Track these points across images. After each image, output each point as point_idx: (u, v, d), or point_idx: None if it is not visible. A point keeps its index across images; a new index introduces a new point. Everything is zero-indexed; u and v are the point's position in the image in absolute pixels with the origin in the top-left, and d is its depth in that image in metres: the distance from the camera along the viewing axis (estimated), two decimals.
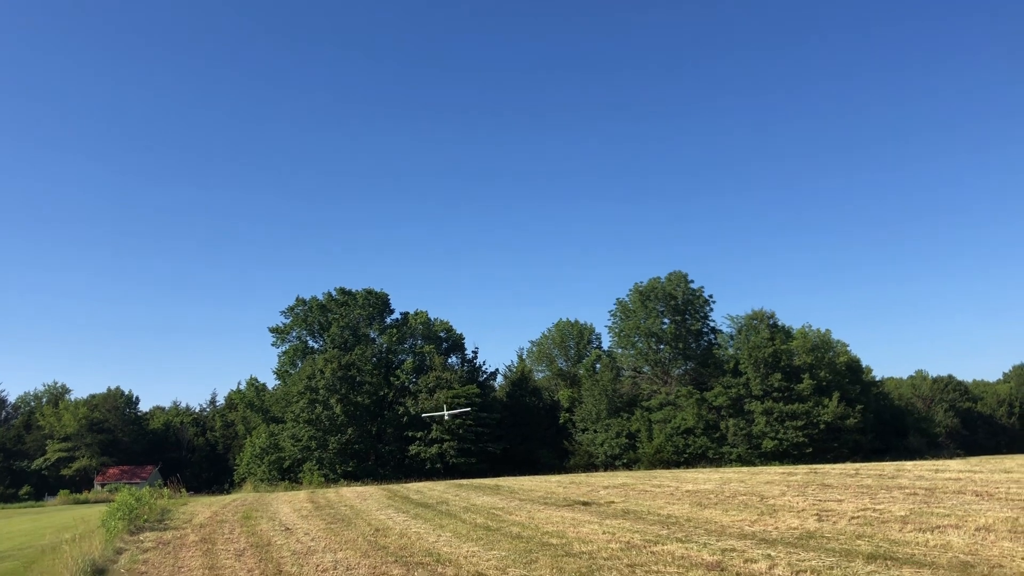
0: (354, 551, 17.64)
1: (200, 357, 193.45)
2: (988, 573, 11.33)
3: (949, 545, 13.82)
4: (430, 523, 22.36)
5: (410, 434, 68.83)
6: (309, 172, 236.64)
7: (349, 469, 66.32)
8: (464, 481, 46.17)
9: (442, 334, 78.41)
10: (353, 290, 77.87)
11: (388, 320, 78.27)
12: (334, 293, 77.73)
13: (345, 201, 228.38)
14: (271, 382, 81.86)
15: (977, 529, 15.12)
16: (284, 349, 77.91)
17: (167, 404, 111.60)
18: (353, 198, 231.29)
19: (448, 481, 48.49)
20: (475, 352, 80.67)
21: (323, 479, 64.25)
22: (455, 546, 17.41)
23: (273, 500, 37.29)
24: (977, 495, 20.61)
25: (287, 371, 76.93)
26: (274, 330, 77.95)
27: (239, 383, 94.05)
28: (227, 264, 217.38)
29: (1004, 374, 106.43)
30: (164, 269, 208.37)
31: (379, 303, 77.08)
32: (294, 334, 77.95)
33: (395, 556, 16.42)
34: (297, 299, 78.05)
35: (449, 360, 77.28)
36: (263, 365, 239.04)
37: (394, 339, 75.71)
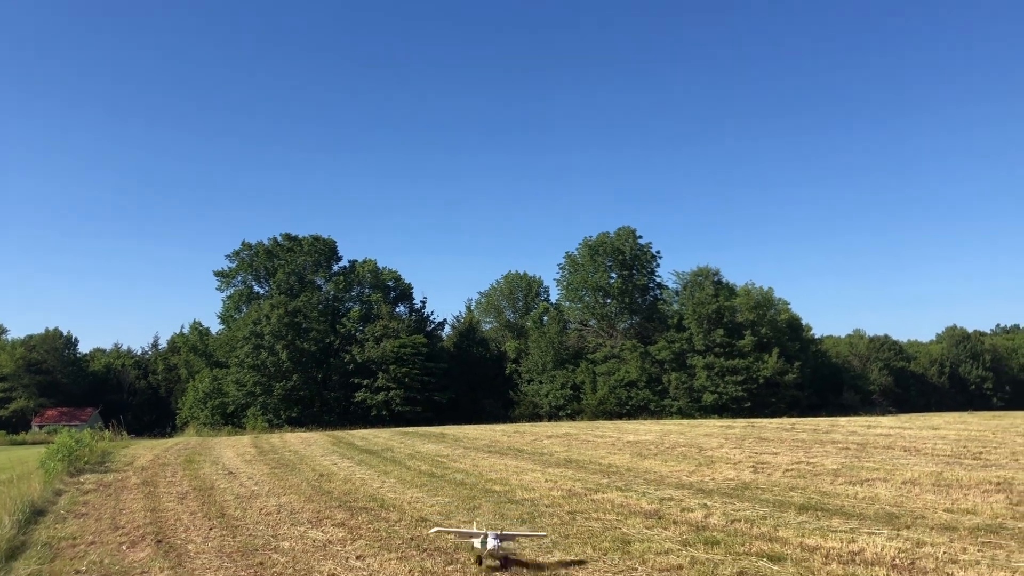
0: (298, 496, 17.74)
1: (143, 300, 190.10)
2: (911, 524, 11.83)
3: (877, 497, 14.38)
4: (375, 469, 22.53)
5: (356, 381, 68.79)
6: (258, 116, 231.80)
7: (294, 415, 66.18)
8: (410, 429, 46.46)
9: (390, 283, 78.06)
10: (300, 236, 76.92)
11: (335, 267, 77.59)
12: (280, 239, 76.70)
13: (293, 147, 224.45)
14: (215, 327, 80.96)
15: (903, 482, 15.75)
16: (229, 294, 76.95)
17: (108, 346, 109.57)
18: (301, 144, 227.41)
19: (394, 429, 48.74)
20: (423, 302, 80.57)
21: (267, 424, 64.06)
22: (399, 492, 17.60)
23: (216, 444, 37.14)
24: (905, 450, 21.41)
25: (232, 316, 76.04)
26: (219, 274, 76.85)
27: (182, 327, 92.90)
28: (171, 205, 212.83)
29: (937, 335, 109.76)
30: (105, 208, 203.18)
31: (326, 250, 76.30)
32: (239, 279, 76.91)
33: (339, 501, 16.56)
34: (243, 243, 76.92)
35: (397, 309, 77.08)
36: (207, 309, 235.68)
37: (341, 287, 75.20)
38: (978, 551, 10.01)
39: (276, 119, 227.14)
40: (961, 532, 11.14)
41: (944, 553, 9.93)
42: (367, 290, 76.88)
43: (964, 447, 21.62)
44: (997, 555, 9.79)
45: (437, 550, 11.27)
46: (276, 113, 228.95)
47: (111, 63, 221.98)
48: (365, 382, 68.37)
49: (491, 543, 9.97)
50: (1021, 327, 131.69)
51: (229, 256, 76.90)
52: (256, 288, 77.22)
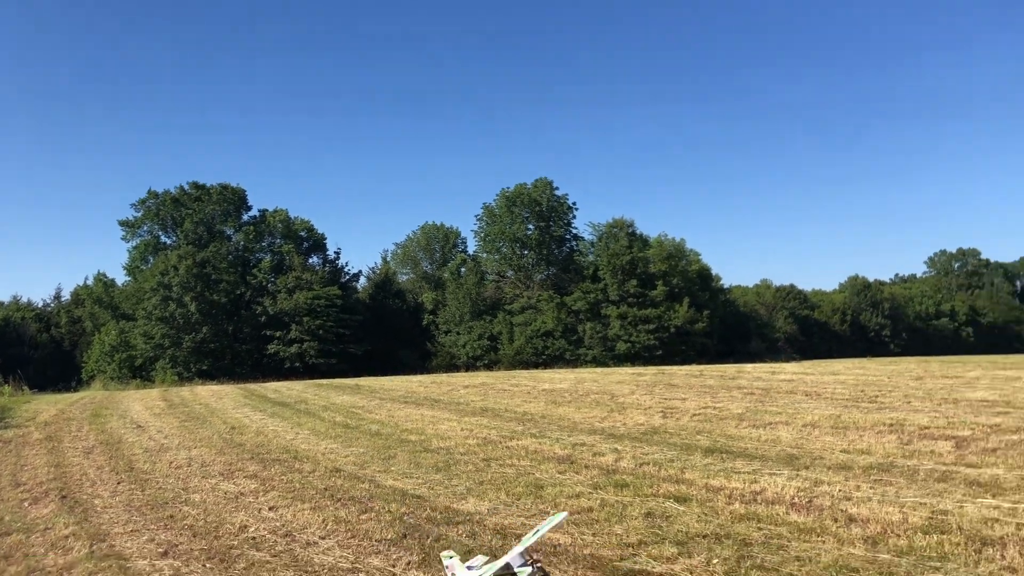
0: (209, 448, 17.49)
1: (42, 250, 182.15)
2: (810, 464, 12.38)
3: (779, 440, 14.98)
4: (288, 421, 22.35)
5: (268, 333, 67.74)
6: (163, 63, 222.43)
7: (204, 368, 64.88)
8: (324, 381, 46.12)
9: (303, 233, 76.62)
10: (208, 184, 74.69)
11: (245, 217, 75.67)
12: (187, 187, 74.33)
13: (199, 92, 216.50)
14: (121, 278, 78.39)
15: (804, 425, 16.43)
16: (135, 244, 74.45)
17: (6, 299, 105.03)
18: (208, 90, 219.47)
19: (308, 381, 48.29)
20: (337, 253, 79.31)
21: (177, 378, 62.69)
22: (313, 443, 17.53)
23: (124, 398, 36.22)
24: (807, 395, 22.31)
25: (138, 267, 73.69)
26: (124, 224, 74.19)
27: (86, 278, 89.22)
28: (72, 151, 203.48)
29: (840, 284, 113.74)
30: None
31: (235, 199, 74.31)
32: (145, 228, 74.41)
33: (252, 453, 16.40)
34: (149, 192, 74.20)
35: (310, 260, 75.81)
36: (113, 260, 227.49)
37: (251, 237, 73.51)
38: (870, 488, 10.55)
39: (182, 65, 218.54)
40: (856, 471, 11.71)
41: (839, 491, 10.44)
42: (279, 240, 75.32)
43: (861, 391, 22.64)
44: (887, 491, 10.34)
45: (351, 500, 11.30)
46: (182, 60, 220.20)
47: None
48: (278, 334, 67.39)
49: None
50: (918, 276, 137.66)
51: (134, 205, 74.28)
52: (163, 238, 74.89)
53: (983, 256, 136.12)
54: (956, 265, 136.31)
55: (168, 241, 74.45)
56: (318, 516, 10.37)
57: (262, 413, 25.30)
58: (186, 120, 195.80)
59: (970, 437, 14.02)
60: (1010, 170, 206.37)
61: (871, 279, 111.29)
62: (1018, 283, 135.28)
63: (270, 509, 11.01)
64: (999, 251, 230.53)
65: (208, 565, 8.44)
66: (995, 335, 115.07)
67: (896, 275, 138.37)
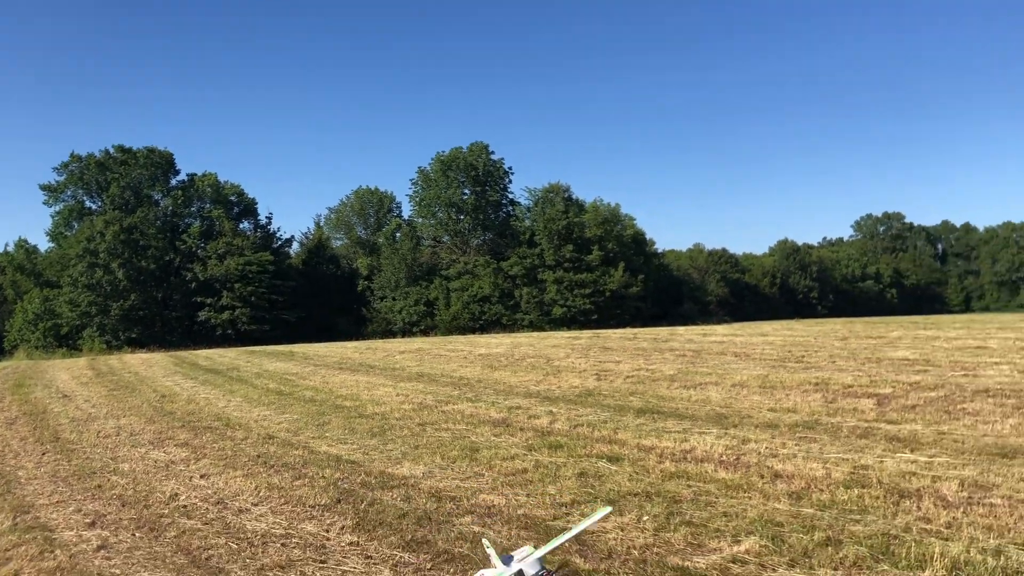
0: (139, 417, 17.16)
1: None
2: (738, 423, 12.68)
3: (708, 400, 15.30)
4: (220, 389, 22.03)
5: (199, 300, 66.46)
6: (85, 17, 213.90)
7: (134, 336, 63.42)
8: (257, 348, 45.56)
9: (233, 198, 75.03)
10: (134, 148, 72.45)
11: (173, 182, 73.69)
12: (112, 150, 72.03)
13: (123, 53, 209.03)
14: (44, 244, 75.89)
15: (733, 385, 16.81)
16: (58, 209, 72.04)
17: None
18: (133, 49, 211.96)
19: (240, 348, 47.66)
20: (269, 218, 78.35)
21: (105, 346, 61.21)
22: (246, 411, 17.32)
23: (50, 367, 35.28)
24: (736, 356, 22.81)
25: (63, 233, 71.40)
26: (46, 188, 71.65)
27: (7, 245, 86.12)
28: None
29: (770, 248, 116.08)
30: None
31: (163, 163, 72.24)
32: (69, 193, 71.98)
33: (182, 421, 16.14)
34: (72, 155, 71.67)
35: (241, 225, 74.36)
36: (34, 226, 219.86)
37: (180, 202, 71.71)
38: (796, 445, 10.86)
39: (104, 26, 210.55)
40: (782, 429, 12.04)
41: (766, 448, 10.72)
42: (208, 206, 73.62)
43: (789, 351, 23.24)
44: (812, 448, 10.65)
45: (285, 466, 11.22)
46: (105, 21, 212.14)
47: None
48: (209, 301, 66.20)
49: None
50: (845, 240, 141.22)
51: (57, 169, 71.64)
52: (88, 203, 72.59)
53: (907, 220, 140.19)
54: (881, 229, 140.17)
55: (93, 206, 72.19)
56: (251, 483, 10.28)
57: (193, 381, 24.89)
58: (110, 82, 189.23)
59: (891, 395, 14.51)
60: (933, 137, 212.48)
61: (800, 243, 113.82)
62: (939, 246, 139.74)
63: (201, 477, 10.87)
64: (922, 215, 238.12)
65: (138, 534, 8.31)
66: (918, 296, 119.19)
67: (824, 239, 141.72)
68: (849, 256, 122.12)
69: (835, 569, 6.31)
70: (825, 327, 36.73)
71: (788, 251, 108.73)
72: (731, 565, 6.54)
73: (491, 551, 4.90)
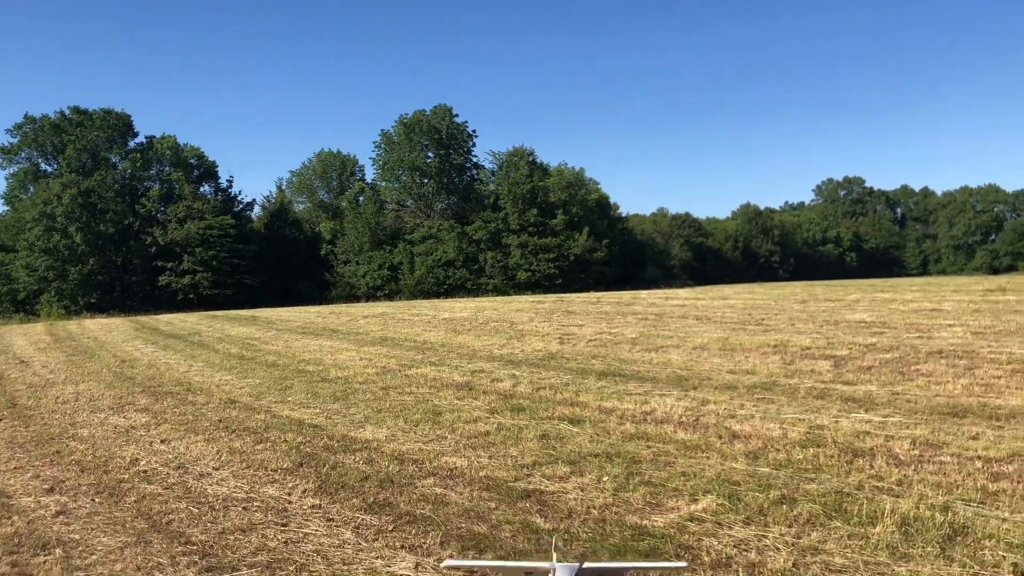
0: (98, 383, 16.98)
1: None
2: (698, 385, 12.86)
3: (669, 362, 15.48)
4: (181, 354, 21.83)
5: (160, 264, 65.55)
6: None
7: (93, 301, 62.47)
8: (219, 312, 45.17)
9: (193, 161, 73.76)
10: (90, 109, 70.77)
11: (131, 144, 72.20)
12: (68, 112, 70.29)
13: (77, 10, 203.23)
14: None
15: (694, 348, 17.02)
16: (12, 172, 70.44)
17: None
18: (87, 8, 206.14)
19: (202, 313, 47.20)
20: (230, 181, 77.04)
21: (64, 311, 60.23)
22: (207, 375, 17.20)
23: (6, 333, 34.73)
24: (697, 319, 23.05)
25: (17, 196, 69.86)
26: None
27: None
28: None
29: (732, 212, 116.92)
30: None
31: (120, 125, 70.70)
32: (23, 155, 70.30)
33: (143, 387, 15.99)
34: (26, 116, 69.78)
35: (201, 189, 73.25)
36: None
37: (138, 165, 70.32)
38: (753, 406, 11.05)
39: None
40: (740, 390, 12.23)
41: (724, 409, 10.89)
42: (168, 168, 72.33)
43: (749, 314, 23.53)
44: (769, 409, 10.84)
45: (247, 430, 11.19)
46: None
47: None
48: (170, 265, 65.34)
49: None
50: (806, 204, 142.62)
51: (10, 130, 69.84)
52: (44, 166, 71.00)
53: (867, 184, 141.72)
54: (842, 193, 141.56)
55: (49, 169, 70.63)
56: (212, 447, 10.24)
57: (154, 346, 24.64)
58: (64, 42, 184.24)
59: (847, 356, 14.78)
60: (893, 101, 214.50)
61: (762, 207, 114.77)
62: (898, 210, 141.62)
63: (162, 442, 10.81)
64: (882, 179, 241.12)
65: (97, 500, 8.25)
66: (876, 260, 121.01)
67: (786, 203, 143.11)
68: (810, 220, 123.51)
69: (789, 526, 6.45)
70: (785, 290, 37.23)
71: (751, 215, 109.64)
72: (688, 523, 6.66)
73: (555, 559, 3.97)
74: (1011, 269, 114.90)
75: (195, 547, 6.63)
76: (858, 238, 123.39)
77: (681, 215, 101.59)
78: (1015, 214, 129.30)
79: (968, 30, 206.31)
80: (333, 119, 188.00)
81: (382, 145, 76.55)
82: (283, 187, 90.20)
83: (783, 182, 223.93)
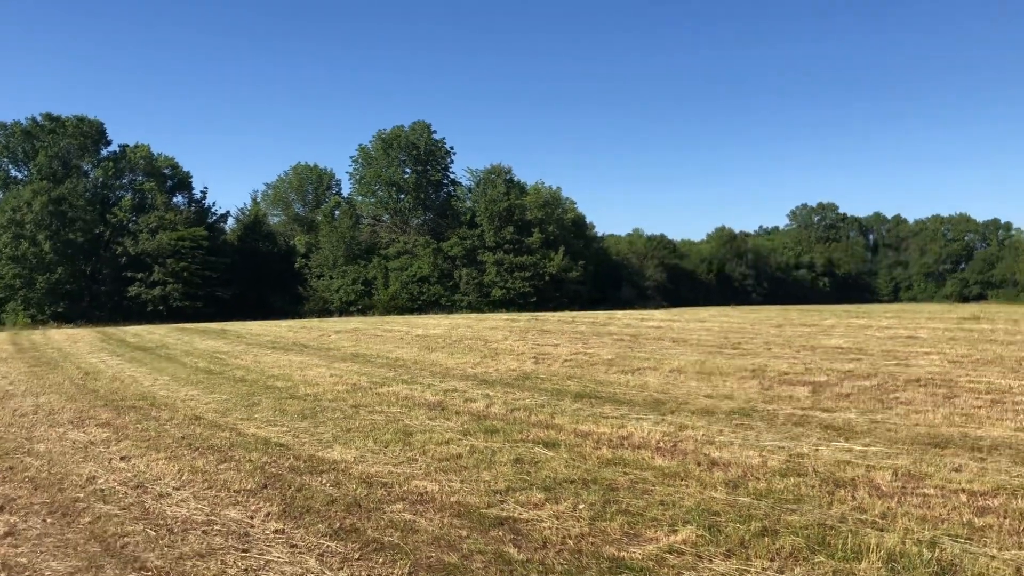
0: (59, 395, 16.48)
1: None
2: (676, 409, 12.64)
3: (646, 385, 15.26)
4: (147, 367, 21.33)
5: (130, 275, 64.62)
6: None
7: (60, 310, 61.46)
8: (189, 325, 44.51)
9: (166, 171, 73.00)
10: (62, 116, 69.83)
11: (104, 152, 71.34)
12: (40, 118, 69.31)
13: (51, 16, 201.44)
14: None
15: (671, 371, 16.82)
16: None
17: None
18: (61, 15, 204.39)
19: (171, 325, 46.52)
20: (204, 192, 76.42)
21: (30, 320, 59.27)
22: (173, 390, 16.75)
23: None
24: (674, 341, 22.89)
25: None
26: None
27: None
28: None
29: (707, 235, 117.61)
30: None
31: (93, 132, 69.81)
32: None
33: (105, 400, 15.53)
34: None
35: (174, 199, 72.55)
36: None
37: (111, 173, 69.45)
38: (732, 432, 10.83)
39: None
40: (719, 415, 12.02)
41: (703, 435, 10.67)
42: (140, 178, 71.55)
43: (725, 338, 23.41)
44: (748, 435, 10.64)
45: (210, 449, 10.80)
46: None
47: None
48: (140, 276, 64.45)
49: None
50: (781, 228, 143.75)
51: None
52: (14, 172, 69.94)
53: (841, 210, 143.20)
54: (816, 219, 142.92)
55: (19, 175, 69.58)
56: (173, 466, 9.85)
57: (119, 358, 24.11)
58: (36, 47, 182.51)
59: (826, 383, 14.64)
60: (868, 129, 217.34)
61: (737, 231, 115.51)
62: (871, 237, 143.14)
63: (122, 459, 10.40)
64: (855, 206, 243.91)
65: (49, 520, 7.86)
66: (848, 285, 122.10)
67: (760, 227, 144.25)
68: (784, 245, 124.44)
69: (771, 560, 6.21)
70: (760, 314, 37.25)
71: (725, 238, 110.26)
72: (667, 555, 6.40)
73: None
74: (981, 298, 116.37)
75: (150, 574, 6.27)
76: (831, 264, 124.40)
77: (656, 237, 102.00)
78: (985, 243, 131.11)
79: (942, 60, 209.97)
80: (310, 132, 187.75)
81: (359, 159, 76.26)
82: (258, 200, 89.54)
83: (758, 206, 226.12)
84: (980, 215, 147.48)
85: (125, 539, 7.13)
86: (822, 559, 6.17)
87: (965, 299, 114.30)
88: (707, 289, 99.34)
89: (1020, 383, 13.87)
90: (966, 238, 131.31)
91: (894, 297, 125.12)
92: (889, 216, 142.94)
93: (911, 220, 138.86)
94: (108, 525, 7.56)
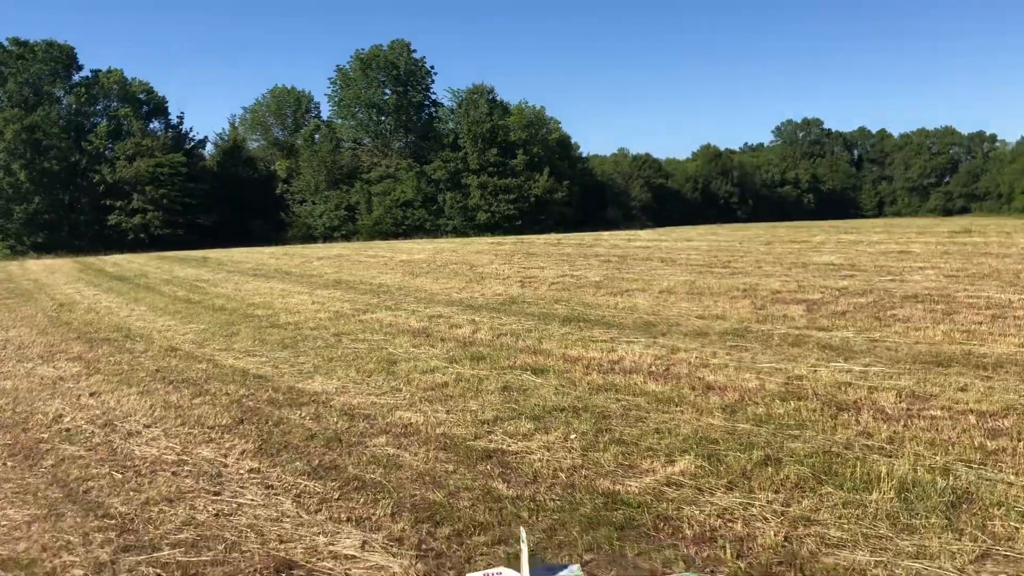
0: (31, 328, 15.97)
1: None
2: (667, 331, 12.25)
3: (636, 307, 14.86)
4: (124, 297, 20.78)
5: (109, 203, 63.46)
6: None
7: (40, 241, 60.49)
8: (169, 253, 43.78)
9: (141, 96, 71.07)
10: (31, 41, 67.51)
11: (76, 78, 69.27)
12: (7, 43, 67.00)
13: None
14: None
15: (660, 292, 16.42)
16: None
17: None
18: None
19: (152, 253, 45.76)
20: (180, 118, 74.25)
21: (9, 251, 58.41)
22: (149, 320, 16.25)
23: None
24: (662, 261, 22.48)
25: None
26: None
27: None
28: None
29: (693, 153, 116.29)
30: None
31: (64, 57, 67.63)
32: None
33: (78, 333, 15.03)
34: None
35: (151, 126, 70.85)
36: None
37: (84, 100, 67.54)
38: (727, 354, 10.47)
39: None
40: (712, 337, 11.65)
41: (696, 358, 10.29)
42: (115, 104, 69.67)
43: (715, 256, 23.01)
44: (743, 357, 10.27)
45: (185, 382, 10.37)
46: None
47: None
48: (119, 204, 63.32)
49: None
50: (765, 145, 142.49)
51: None
52: None
53: (825, 126, 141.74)
54: (801, 135, 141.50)
55: None
56: (145, 402, 9.41)
57: (96, 288, 23.53)
58: None
59: (820, 300, 14.28)
60: (852, 43, 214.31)
61: (722, 148, 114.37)
62: (855, 151, 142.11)
63: (91, 395, 9.95)
64: (840, 121, 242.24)
65: (10, 463, 7.42)
66: (833, 201, 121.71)
67: (745, 144, 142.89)
68: (769, 162, 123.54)
69: (776, 492, 5.85)
70: (749, 232, 36.82)
71: (710, 156, 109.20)
72: (665, 488, 6.04)
73: (524, 553, 3.73)
74: (964, 211, 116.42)
75: (113, 521, 5.85)
76: (816, 180, 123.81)
77: (642, 156, 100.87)
78: (970, 156, 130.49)
79: None
80: (287, 54, 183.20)
81: (338, 81, 74.43)
82: (236, 124, 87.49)
83: (743, 124, 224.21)
84: (965, 128, 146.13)
85: (89, 483, 6.71)
86: (830, 490, 5.82)
87: (949, 212, 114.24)
88: (692, 208, 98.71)
89: (1020, 297, 13.54)
90: (951, 151, 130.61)
91: (878, 212, 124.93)
92: (874, 131, 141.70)
93: (896, 134, 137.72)
94: (72, 468, 7.13)
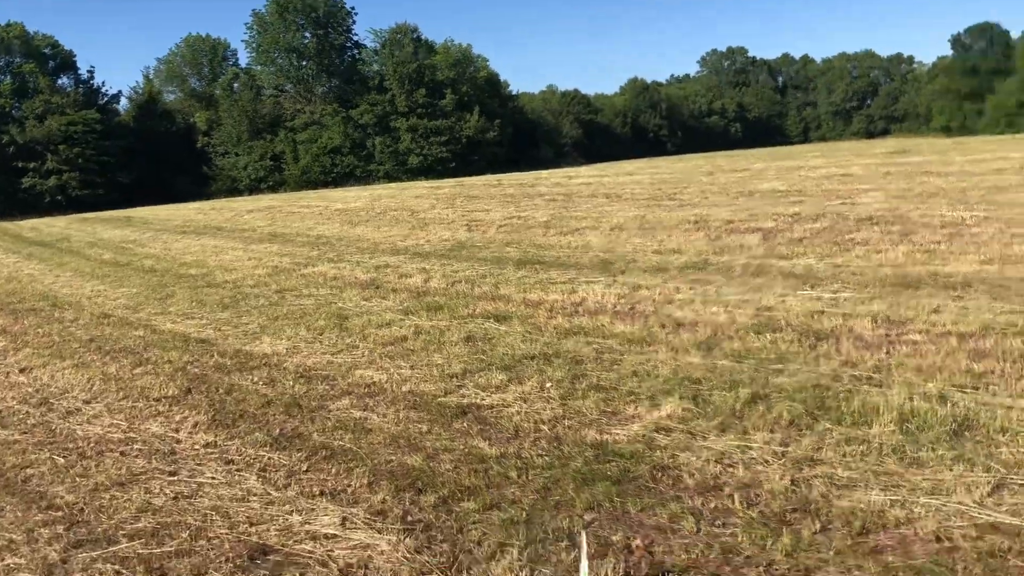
0: None
1: None
2: (625, 269, 11.95)
3: (589, 245, 14.51)
4: (47, 263, 19.70)
5: (21, 165, 60.47)
6: None
7: None
8: (91, 214, 41.98)
9: (47, 50, 67.45)
10: None
11: None
12: None
13: None
14: None
15: (611, 228, 16.10)
16: None
17: None
18: None
19: (73, 215, 43.83)
20: (91, 72, 70.72)
21: None
22: (76, 286, 15.36)
23: None
24: (607, 197, 22.16)
25: None
26: None
27: None
28: None
29: (620, 87, 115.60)
30: None
31: None
32: None
33: (0, 304, 14.10)
34: None
35: (59, 82, 67.41)
36: None
37: None
38: (690, 289, 10.20)
39: None
40: (672, 272, 11.37)
41: (660, 294, 10.00)
42: (18, 60, 66.02)
43: (659, 189, 22.79)
44: (707, 290, 10.02)
45: (123, 351, 9.70)
46: None
47: None
48: (32, 166, 60.37)
49: None
50: (692, 76, 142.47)
51: None
52: None
53: (750, 54, 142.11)
54: (726, 64, 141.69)
55: None
56: (82, 375, 8.75)
57: (16, 255, 22.30)
58: None
59: (775, 228, 14.12)
60: None
61: (650, 81, 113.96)
62: (780, 78, 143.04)
63: (21, 372, 9.24)
64: (764, 48, 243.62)
65: None
66: (759, 129, 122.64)
67: (672, 76, 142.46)
68: (696, 92, 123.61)
69: (771, 432, 5.57)
70: (688, 163, 36.68)
71: (638, 90, 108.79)
72: (655, 435, 5.71)
73: (583, 563, 3.41)
74: (885, 132, 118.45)
75: (60, 513, 5.29)
76: (742, 108, 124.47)
77: (571, 92, 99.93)
78: (889, 79, 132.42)
79: None
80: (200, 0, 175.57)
81: (255, 27, 71.61)
82: (151, 76, 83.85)
83: (670, 55, 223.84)
84: (884, 50, 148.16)
85: (28, 471, 6.12)
86: (828, 426, 5.56)
87: (871, 135, 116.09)
88: (623, 143, 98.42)
89: (972, 214, 13.56)
90: (871, 74, 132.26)
91: (804, 138, 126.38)
92: (797, 57, 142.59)
93: (819, 60, 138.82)
94: (7, 455, 6.51)
